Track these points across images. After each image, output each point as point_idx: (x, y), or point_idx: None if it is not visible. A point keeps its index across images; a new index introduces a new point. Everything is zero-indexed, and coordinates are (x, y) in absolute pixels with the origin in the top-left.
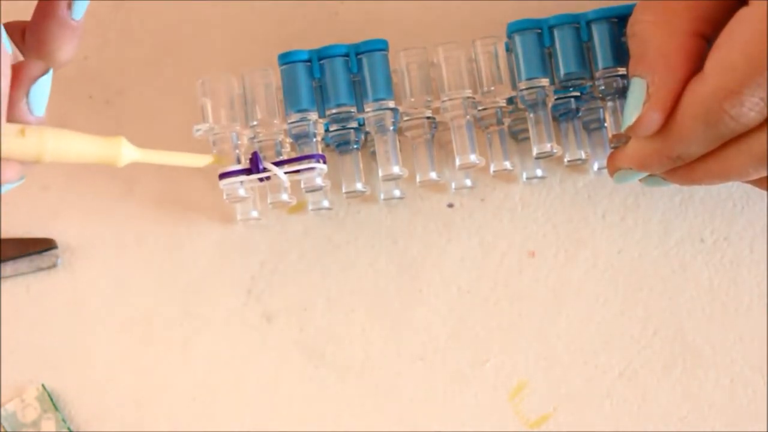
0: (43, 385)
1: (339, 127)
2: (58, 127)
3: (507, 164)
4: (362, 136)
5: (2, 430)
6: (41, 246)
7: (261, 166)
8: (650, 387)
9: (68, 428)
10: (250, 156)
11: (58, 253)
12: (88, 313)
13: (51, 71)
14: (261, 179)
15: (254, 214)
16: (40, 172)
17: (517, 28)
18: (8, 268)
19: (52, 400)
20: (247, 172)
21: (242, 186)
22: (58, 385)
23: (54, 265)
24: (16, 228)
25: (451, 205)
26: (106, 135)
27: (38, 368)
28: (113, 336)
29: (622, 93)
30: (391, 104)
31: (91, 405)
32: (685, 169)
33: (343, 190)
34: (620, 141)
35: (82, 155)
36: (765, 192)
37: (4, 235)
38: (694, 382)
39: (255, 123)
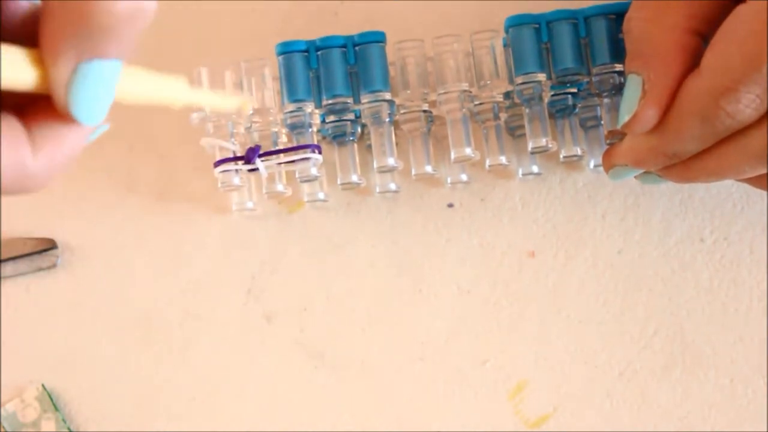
0: (43, 385)
1: (335, 119)
2: None
3: (503, 159)
4: (359, 129)
5: (2, 430)
6: (41, 246)
7: (254, 160)
8: (650, 387)
9: (68, 428)
10: (251, 146)
11: (58, 253)
12: (88, 313)
13: None
14: (250, 170)
15: (249, 204)
16: None
17: (514, 23)
18: (8, 268)
19: (52, 400)
20: (240, 161)
21: (237, 175)
22: (58, 385)
23: (54, 265)
24: (16, 228)
25: (451, 205)
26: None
27: (38, 368)
28: (113, 336)
29: (619, 89)
30: (388, 96)
31: (91, 405)
32: (681, 166)
33: (339, 182)
34: (616, 137)
35: (150, 95)
36: (765, 192)
37: (4, 235)
38: (694, 382)
39: (251, 112)
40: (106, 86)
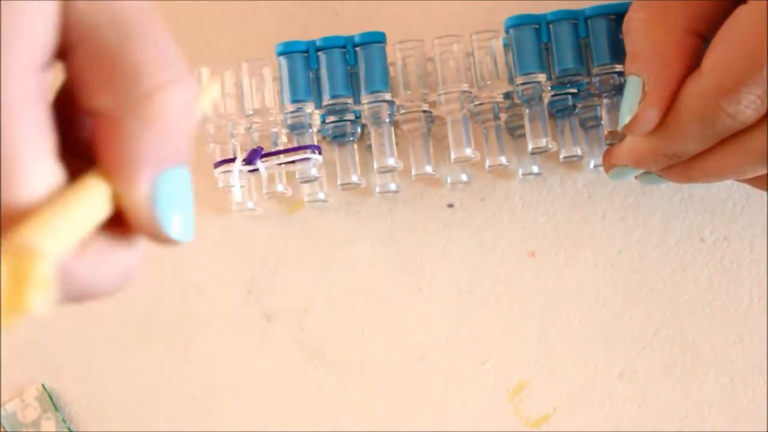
0: (43, 385)
1: (336, 119)
2: None
3: (503, 159)
4: (359, 129)
5: (2, 430)
6: None
7: (256, 162)
8: (650, 387)
9: (68, 428)
10: (253, 148)
11: None
12: (88, 313)
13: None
14: (251, 171)
15: (249, 204)
16: None
17: (514, 23)
18: None
19: (52, 400)
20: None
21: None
22: (58, 385)
23: None
24: None
25: (451, 205)
26: None
27: (38, 368)
28: (113, 336)
29: (619, 90)
30: (388, 97)
31: (91, 405)
32: (681, 166)
33: (339, 182)
34: (616, 138)
35: None
36: (765, 192)
37: None
38: (694, 382)
39: (251, 113)
40: (186, 196)
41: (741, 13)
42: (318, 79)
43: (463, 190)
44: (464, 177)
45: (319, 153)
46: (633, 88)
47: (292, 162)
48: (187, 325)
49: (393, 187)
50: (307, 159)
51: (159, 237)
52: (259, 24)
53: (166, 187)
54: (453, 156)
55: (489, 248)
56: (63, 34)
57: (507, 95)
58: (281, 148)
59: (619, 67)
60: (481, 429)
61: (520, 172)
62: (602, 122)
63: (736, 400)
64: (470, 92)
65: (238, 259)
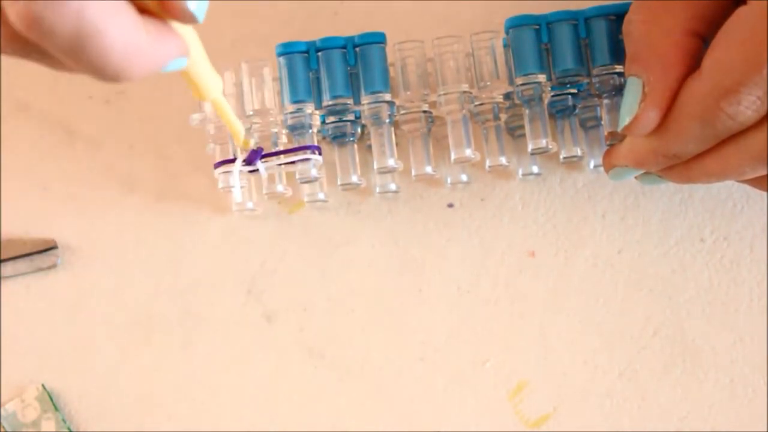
0: (43, 385)
1: (336, 119)
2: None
3: (503, 159)
4: (359, 129)
5: (2, 430)
6: (41, 246)
7: (256, 162)
8: (650, 387)
9: (68, 428)
10: (253, 148)
11: (58, 253)
12: (88, 313)
13: None
14: (251, 171)
15: (249, 205)
16: (40, 172)
17: (514, 24)
18: (8, 268)
19: (52, 400)
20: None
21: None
22: (58, 385)
23: (54, 265)
24: (16, 228)
25: (451, 205)
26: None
27: (38, 368)
28: (113, 336)
29: (619, 90)
30: (388, 97)
31: (91, 405)
32: (681, 167)
33: (339, 182)
34: (616, 138)
35: (200, 71)
36: (765, 192)
37: (4, 235)
38: (694, 382)
39: (251, 113)
40: None
41: (741, 13)
42: (318, 79)
43: (463, 190)
44: (464, 177)
45: (319, 153)
46: (633, 89)
47: (292, 162)
48: (187, 325)
49: (393, 187)
50: (307, 159)
51: (180, 11)
52: (259, 24)
53: None
54: (453, 156)
55: (489, 248)
56: None
57: (507, 95)
58: (281, 148)
59: (619, 68)
60: (481, 429)
61: (520, 172)
62: (602, 122)
63: (736, 400)
64: (470, 92)
65: (238, 259)
